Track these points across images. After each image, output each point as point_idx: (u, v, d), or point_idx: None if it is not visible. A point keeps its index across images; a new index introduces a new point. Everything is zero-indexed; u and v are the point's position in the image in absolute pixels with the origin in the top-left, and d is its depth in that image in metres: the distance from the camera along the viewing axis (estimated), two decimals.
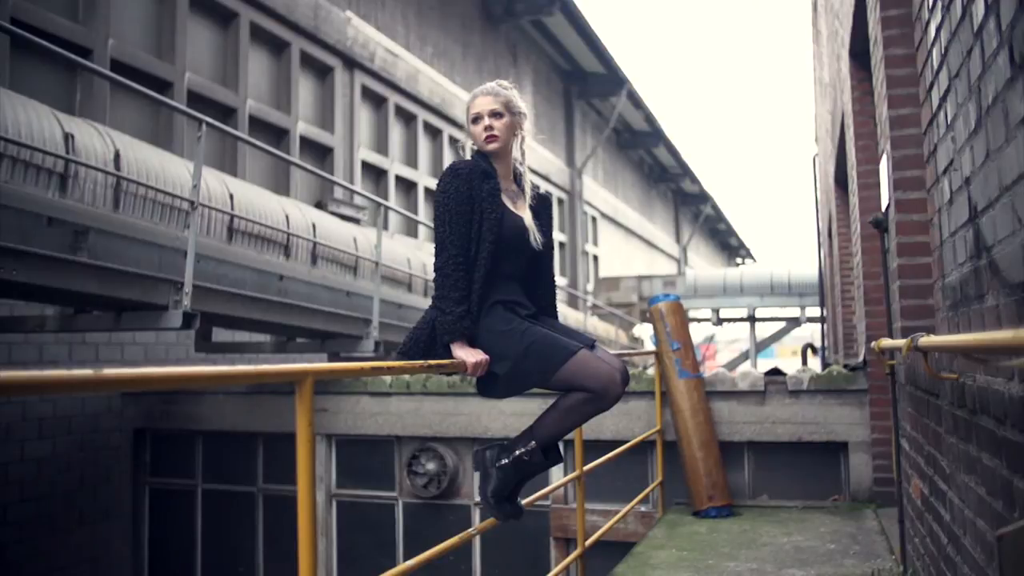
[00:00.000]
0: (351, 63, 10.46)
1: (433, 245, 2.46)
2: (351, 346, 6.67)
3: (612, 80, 18.50)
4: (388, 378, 6.11)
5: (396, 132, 11.72)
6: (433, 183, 11.65)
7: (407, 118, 12.06)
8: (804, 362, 12.27)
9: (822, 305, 12.01)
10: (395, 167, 11.53)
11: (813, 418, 5.27)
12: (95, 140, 4.42)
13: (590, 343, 2.41)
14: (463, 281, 2.37)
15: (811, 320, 17.65)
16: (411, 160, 12.07)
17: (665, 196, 28.78)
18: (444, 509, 6.12)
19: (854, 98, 4.98)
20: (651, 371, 5.85)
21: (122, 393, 6.89)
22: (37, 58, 6.26)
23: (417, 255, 8.10)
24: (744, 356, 21.27)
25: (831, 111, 7.34)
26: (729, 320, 19.88)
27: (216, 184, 5.32)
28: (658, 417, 5.38)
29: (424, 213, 11.88)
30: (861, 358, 5.23)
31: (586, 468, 3.87)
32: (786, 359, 32.88)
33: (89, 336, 6.81)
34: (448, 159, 12.73)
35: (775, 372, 5.61)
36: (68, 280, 4.20)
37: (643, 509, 5.55)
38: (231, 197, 5.39)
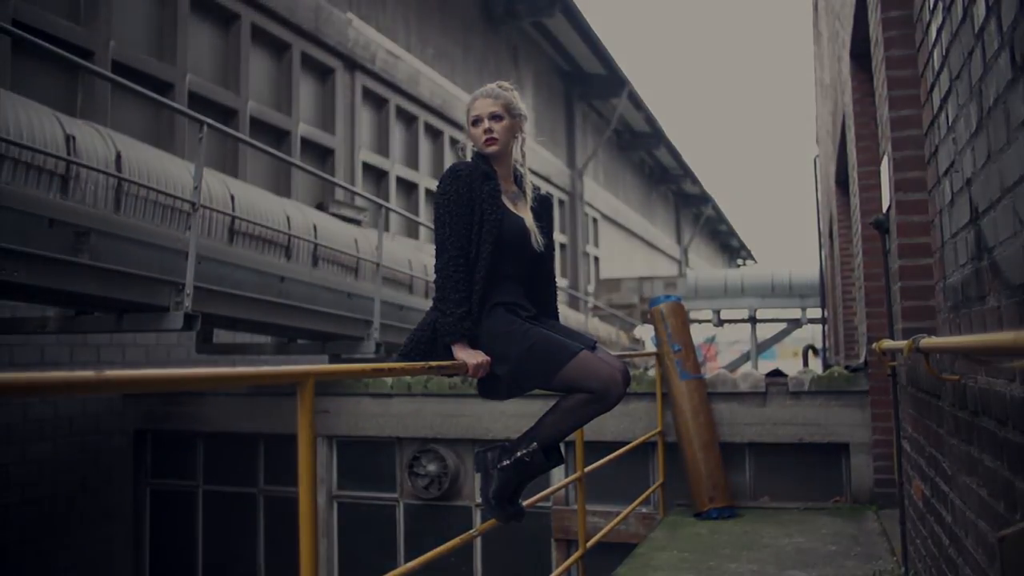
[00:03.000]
0: (352, 64, 10.46)
1: (434, 247, 2.46)
2: (352, 347, 6.68)
3: (613, 81, 18.49)
4: (389, 379, 6.11)
5: (397, 133, 11.72)
6: (434, 184, 11.61)
7: (408, 119, 12.07)
8: (805, 363, 12.28)
9: (823, 306, 12.00)
10: (396, 168, 11.53)
11: (814, 419, 5.27)
12: (96, 142, 4.42)
13: (591, 344, 2.41)
14: (464, 283, 2.37)
15: (812, 321, 17.63)
16: (412, 161, 12.08)
17: (666, 197, 28.78)
18: (445, 510, 6.12)
19: (855, 99, 4.98)
20: (652, 372, 5.85)
21: (123, 395, 6.89)
22: (38, 60, 6.26)
23: (418, 256, 8.10)
24: (745, 357, 21.26)
25: (832, 112, 7.34)
26: (730, 321, 19.86)
27: (217, 185, 5.33)
28: (659, 418, 5.38)
29: (425, 214, 11.87)
30: (862, 359, 5.23)
31: (587, 469, 3.87)
32: (787, 360, 32.83)
33: (90, 338, 6.81)
34: (449, 160, 12.73)
35: (776, 373, 5.61)
36: (69, 281, 4.20)
37: (644, 510, 5.55)
38: (232, 198, 5.39)
